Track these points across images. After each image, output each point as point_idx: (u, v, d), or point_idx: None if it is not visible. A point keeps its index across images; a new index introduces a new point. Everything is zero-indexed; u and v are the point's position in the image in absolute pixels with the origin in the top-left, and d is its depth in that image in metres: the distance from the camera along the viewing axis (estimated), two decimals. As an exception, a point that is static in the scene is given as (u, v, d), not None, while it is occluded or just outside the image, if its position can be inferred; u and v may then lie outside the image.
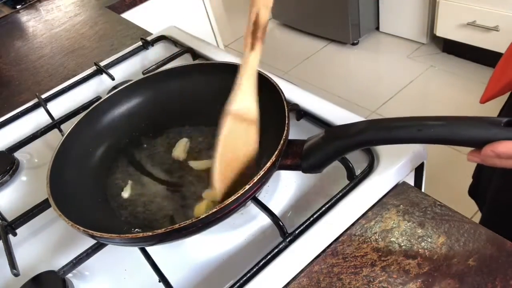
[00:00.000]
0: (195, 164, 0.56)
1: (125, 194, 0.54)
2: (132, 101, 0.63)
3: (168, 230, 0.40)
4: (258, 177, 0.42)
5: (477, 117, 0.37)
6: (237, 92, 0.45)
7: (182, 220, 0.40)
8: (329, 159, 0.45)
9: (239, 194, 0.41)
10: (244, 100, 0.45)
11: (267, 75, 0.53)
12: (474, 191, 0.79)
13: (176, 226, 0.40)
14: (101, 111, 0.60)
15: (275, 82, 0.52)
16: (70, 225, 0.43)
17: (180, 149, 0.58)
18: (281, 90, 0.51)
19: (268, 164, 0.42)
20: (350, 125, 0.43)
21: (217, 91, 0.59)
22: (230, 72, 0.59)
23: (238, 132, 0.46)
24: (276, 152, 0.43)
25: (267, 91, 0.52)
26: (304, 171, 0.46)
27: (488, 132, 0.35)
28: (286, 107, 0.48)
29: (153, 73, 0.64)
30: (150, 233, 0.40)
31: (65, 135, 0.55)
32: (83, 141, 0.57)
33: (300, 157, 0.46)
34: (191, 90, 0.61)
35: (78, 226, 0.42)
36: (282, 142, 0.44)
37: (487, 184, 0.72)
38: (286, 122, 0.46)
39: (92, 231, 0.41)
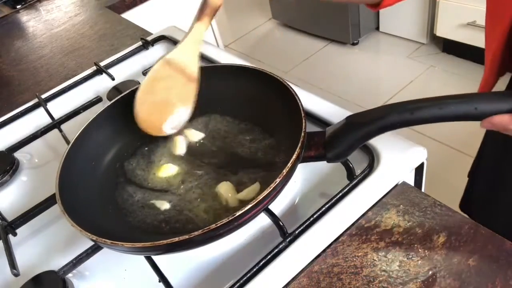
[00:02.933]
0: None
1: (165, 206, 0.52)
2: None
3: (181, 239, 0.39)
4: (287, 170, 0.42)
5: (494, 92, 0.39)
6: (177, 47, 0.52)
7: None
8: (354, 146, 0.45)
9: (272, 187, 0.41)
10: (183, 56, 0.53)
11: (273, 74, 0.54)
12: (465, 205, 0.79)
13: (200, 231, 0.39)
14: (111, 114, 0.60)
15: (284, 80, 0.52)
16: (78, 230, 0.42)
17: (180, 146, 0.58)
18: (289, 85, 0.51)
19: (294, 156, 0.43)
20: (370, 111, 0.43)
21: (222, 91, 0.60)
22: (234, 74, 0.60)
23: (172, 80, 0.53)
24: (299, 144, 0.44)
25: (276, 90, 0.52)
26: (329, 160, 0.47)
27: (509, 105, 0.37)
28: (299, 101, 0.49)
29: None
30: (159, 242, 0.39)
31: (74, 139, 0.54)
32: (93, 144, 0.56)
33: (323, 147, 0.46)
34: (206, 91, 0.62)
35: (88, 234, 0.42)
36: (303, 134, 0.45)
37: (480, 197, 0.72)
38: (303, 115, 0.47)
39: (105, 239, 0.41)
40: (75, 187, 0.50)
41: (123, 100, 0.61)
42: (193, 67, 0.53)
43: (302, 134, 0.45)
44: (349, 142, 0.44)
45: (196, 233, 0.39)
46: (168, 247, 0.40)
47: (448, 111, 0.39)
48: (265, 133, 0.56)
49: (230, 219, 0.39)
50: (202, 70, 0.62)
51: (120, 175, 0.56)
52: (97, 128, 0.58)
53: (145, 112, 0.54)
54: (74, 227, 0.43)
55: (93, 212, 0.49)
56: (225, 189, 0.50)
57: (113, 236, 0.41)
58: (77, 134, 0.55)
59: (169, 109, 0.55)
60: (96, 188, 0.53)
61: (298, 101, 0.49)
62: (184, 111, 0.56)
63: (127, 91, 0.61)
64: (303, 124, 0.46)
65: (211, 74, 0.61)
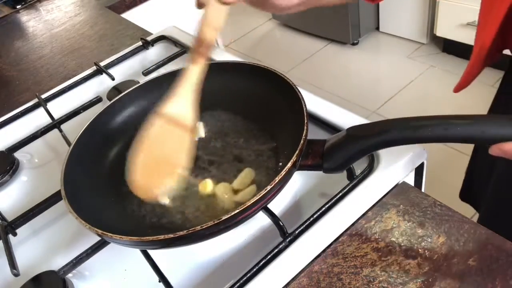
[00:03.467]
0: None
1: (164, 200, 0.51)
2: (143, 101, 0.62)
3: (167, 237, 0.39)
4: (280, 177, 0.41)
5: (501, 116, 0.38)
6: (172, 98, 0.48)
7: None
8: (352, 159, 0.44)
9: (262, 195, 0.40)
10: (179, 106, 0.48)
11: (283, 75, 0.53)
12: (466, 194, 0.79)
13: (198, 228, 0.39)
14: (113, 110, 0.60)
15: (292, 82, 0.52)
16: (78, 221, 0.43)
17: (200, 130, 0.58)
18: (297, 88, 0.51)
19: (289, 165, 0.42)
20: (372, 124, 0.43)
21: (228, 89, 0.60)
22: (235, 70, 0.60)
23: (169, 134, 0.48)
24: (296, 152, 0.43)
25: (283, 91, 0.52)
26: (326, 171, 0.46)
27: None
28: (304, 106, 0.48)
29: (166, 73, 0.64)
30: (146, 238, 0.40)
31: (76, 138, 0.54)
32: (96, 141, 0.56)
33: (321, 157, 0.45)
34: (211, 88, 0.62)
35: (92, 226, 0.42)
36: (302, 141, 0.44)
37: (481, 186, 0.72)
38: (305, 121, 0.46)
39: (101, 231, 0.41)
40: (79, 183, 0.50)
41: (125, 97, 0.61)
42: (189, 117, 0.48)
43: (302, 141, 0.44)
44: (347, 155, 0.44)
45: (180, 233, 0.39)
46: (154, 243, 0.41)
47: (453, 132, 0.37)
48: (268, 135, 0.55)
49: (216, 222, 0.39)
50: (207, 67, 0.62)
51: (123, 170, 0.56)
52: (101, 124, 0.58)
53: (142, 176, 0.48)
54: (82, 222, 0.43)
55: (95, 206, 0.49)
56: (222, 191, 0.50)
57: (110, 229, 0.42)
58: (79, 133, 0.55)
59: (168, 169, 0.49)
60: (99, 184, 0.53)
61: (304, 107, 0.48)
62: (182, 167, 0.50)
63: (128, 90, 0.61)
64: (305, 131, 0.45)
65: (216, 70, 0.61)
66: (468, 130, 0.37)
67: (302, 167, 0.46)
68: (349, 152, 0.44)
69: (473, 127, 0.37)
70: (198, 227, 0.39)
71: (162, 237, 0.39)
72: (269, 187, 0.40)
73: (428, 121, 0.39)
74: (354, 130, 0.44)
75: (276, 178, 0.41)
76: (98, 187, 0.53)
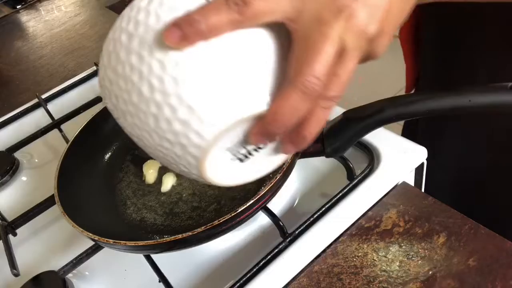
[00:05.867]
0: None
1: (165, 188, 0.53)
2: None
3: (183, 237, 0.40)
4: (287, 165, 0.42)
5: (485, 85, 0.39)
6: None
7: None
8: (352, 141, 0.46)
9: (272, 184, 0.41)
10: None
11: None
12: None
13: (201, 229, 0.40)
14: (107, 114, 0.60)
15: None
16: (76, 229, 0.43)
17: None
18: None
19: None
20: (367, 106, 0.44)
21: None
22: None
23: None
24: None
25: None
26: (328, 155, 0.47)
27: (501, 96, 0.38)
28: None
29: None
30: (152, 242, 0.40)
31: (72, 139, 0.55)
32: (92, 143, 0.57)
33: (321, 143, 0.46)
34: None
35: (88, 233, 0.42)
36: None
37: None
38: None
39: (99, 237, 0.41)
40: (74, 187, 0.51)
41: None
42: None
43: None
44: (347, 137, 0.45)
45: (178, 236, 0.40)
46: (153, 247, 0.42)
47: (442, 103, 0.40)
48: None
49: (215, 224, 0.40)
50: None
51: (119, 174, 0.56)
52: (95, 127, 0.58)
53: None
54: (75, 227, 0.43)
55: (93, 212, 0.49)
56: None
57: (113, 235, 0.42)
58: (75, 134, 0.55)
59: None
60: (95, 187, 0.53)
61: None
62: None
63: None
64: None
65: None
66: (457, 100, 0.39)
67: (305, 155, 0.47)
68: (348, 134, 0.45)
69: (461, 97, 0.39)
70: (199, 229, 0.39)
71: (162, 241, 0.40)
72: (278, 175, 0.41)
73: (419, 96, 0.41)
74: (351, 113, 0.45)
75: (284, 166, 0.42)
76: (94, 190, 0.53)
